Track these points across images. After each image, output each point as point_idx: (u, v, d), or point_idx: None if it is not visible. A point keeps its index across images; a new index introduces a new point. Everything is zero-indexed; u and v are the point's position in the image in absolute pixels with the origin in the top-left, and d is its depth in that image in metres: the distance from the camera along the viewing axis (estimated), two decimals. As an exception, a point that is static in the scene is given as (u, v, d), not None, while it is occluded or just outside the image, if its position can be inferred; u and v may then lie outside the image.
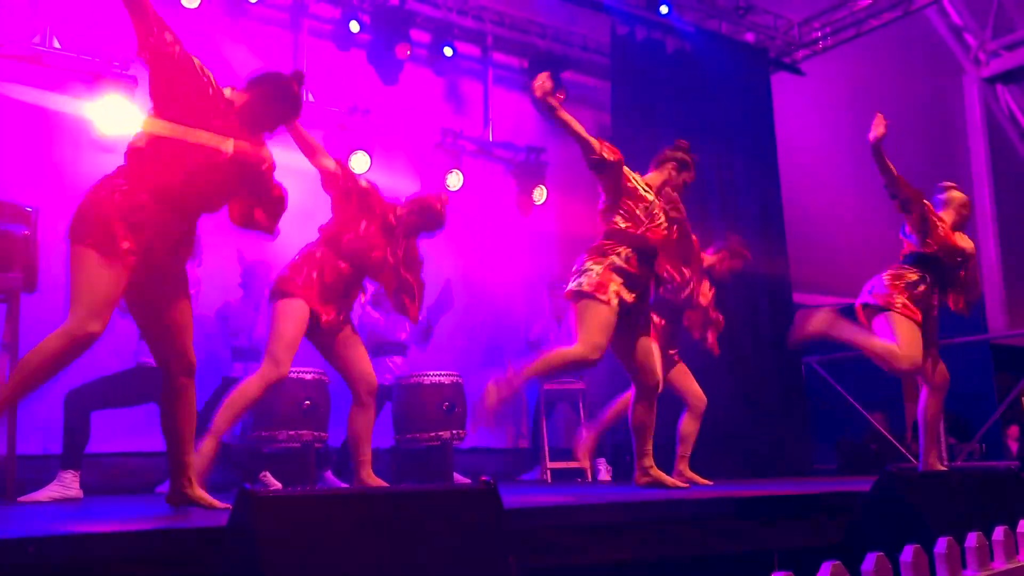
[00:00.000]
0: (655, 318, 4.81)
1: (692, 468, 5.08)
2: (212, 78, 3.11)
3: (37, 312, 4.79)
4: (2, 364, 4.31)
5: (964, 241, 4.81)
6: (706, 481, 4.99)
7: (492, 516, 2.21)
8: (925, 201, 4.69)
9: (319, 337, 4.12)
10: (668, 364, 5.02)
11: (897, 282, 4.65)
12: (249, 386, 3.89)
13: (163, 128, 2.99)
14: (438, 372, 5.96)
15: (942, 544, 2.23)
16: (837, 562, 1.88)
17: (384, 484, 4.17)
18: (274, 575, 1.83)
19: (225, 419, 3.82)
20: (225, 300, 5.95)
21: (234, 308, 5.90)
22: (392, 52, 7.32)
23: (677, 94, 7.93)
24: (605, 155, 4.02)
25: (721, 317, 5.22)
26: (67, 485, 4.53)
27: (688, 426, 5.08)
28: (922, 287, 4.64)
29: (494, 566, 2.14)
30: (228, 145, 3.05)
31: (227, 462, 5.21)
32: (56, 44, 6.06)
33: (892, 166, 4.52)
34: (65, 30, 6.11)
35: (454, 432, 5.85)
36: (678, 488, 4.25)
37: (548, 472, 6.88)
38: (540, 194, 8.01)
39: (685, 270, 4.94)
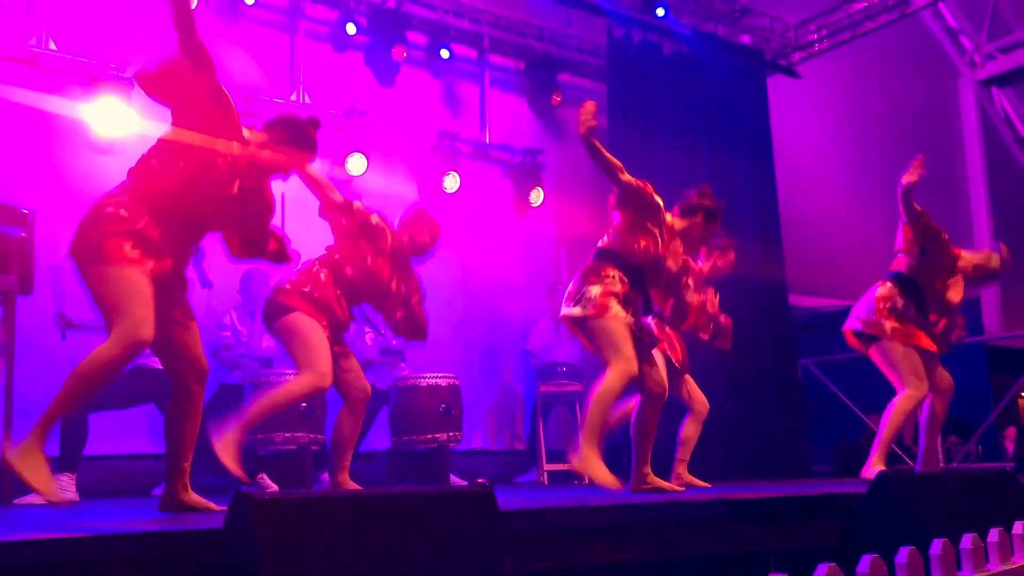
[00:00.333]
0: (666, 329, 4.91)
1: (690, 470, 5.08)
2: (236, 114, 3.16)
3: (33, 314, 4.78)
4: (-1, 366, 4.31)
5: (955, 293, 4.85)
6: (704, 484, 4.99)
7: (488, 518, 2.21)
8: (945, 237, 4.73)
9: None
10: (673, 371, 5.03)
11: (883, 306, 4.68)
12: (295, 386, 3.97)
13: (184, 136, 3.01)
14: (434, 374, 5.96)
15: (937, 546, 2.23)
16: (833, 564, 1.88)
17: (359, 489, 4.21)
18: (270, 577, 1.83)
19: (260, 412, 3.84)
20: (223, 306, 5.94)
21: (233, 314, 5.89)
22: (389, 54, 7.32)
23: (674, 97, 7.94)
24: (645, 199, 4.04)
25: (730, 321, 5.23)
26: (63, 488, 4.52)
27: (690, 430, 5.08)
28: (911, 312, 4.69)
29: (490, 568, 2.14)
30: (234, 147, 3.09)
31: (223, 464, 5.18)
32: (52, 46, 6.04)
33: (919, 207, 4.57)
34: (61, 32, 6.09)
35: (450, 434, 5.85)
36: (674, 491, 4.25)
37: (545, 474, 6.88)
38: (537, 196, 8.00)
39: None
